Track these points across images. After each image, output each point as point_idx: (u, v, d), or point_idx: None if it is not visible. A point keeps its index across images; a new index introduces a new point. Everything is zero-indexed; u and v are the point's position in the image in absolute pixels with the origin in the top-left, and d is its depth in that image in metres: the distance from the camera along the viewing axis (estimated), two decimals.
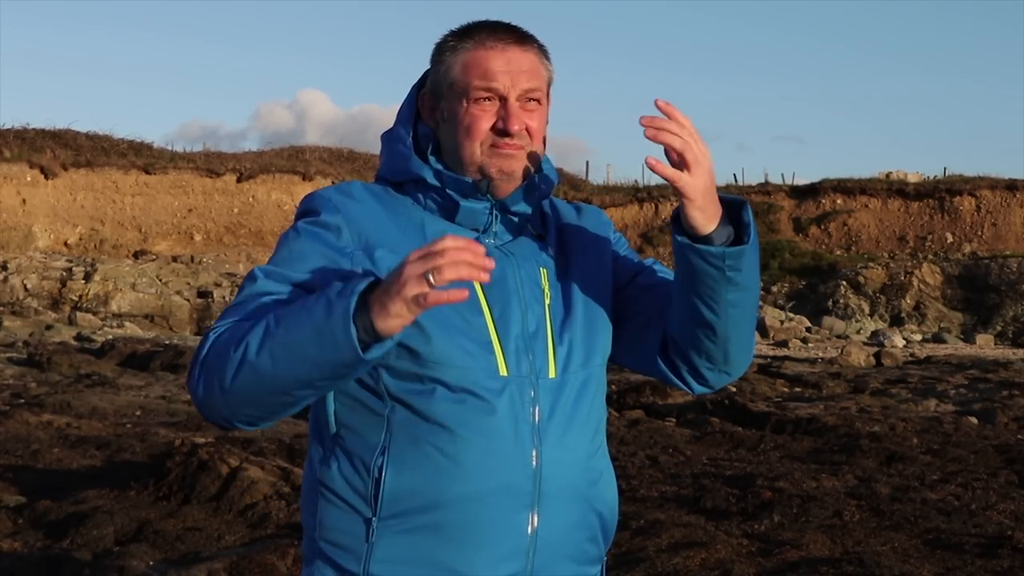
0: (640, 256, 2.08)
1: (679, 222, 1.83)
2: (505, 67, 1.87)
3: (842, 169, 79.47)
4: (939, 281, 31.43)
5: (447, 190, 1.90)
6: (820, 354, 22.28)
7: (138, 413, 11.54)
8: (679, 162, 1.76)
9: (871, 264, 32.65)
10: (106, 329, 23.06)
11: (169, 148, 36.41)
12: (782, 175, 44.39)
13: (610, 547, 2.04)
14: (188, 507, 6.63)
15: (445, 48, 1.92)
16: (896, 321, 29.87)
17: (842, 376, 16.99)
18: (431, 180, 1.90)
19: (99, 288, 25.43)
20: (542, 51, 1.94)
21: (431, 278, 1.58)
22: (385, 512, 1.81)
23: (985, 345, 26.70)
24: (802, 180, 38.54)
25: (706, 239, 1.81)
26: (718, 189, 1.82)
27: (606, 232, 2.05)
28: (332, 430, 1.87)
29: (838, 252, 35.27)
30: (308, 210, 1.89)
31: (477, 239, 1.91)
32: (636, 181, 39.28)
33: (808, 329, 28.03)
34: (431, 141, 1.93)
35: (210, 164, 35.35)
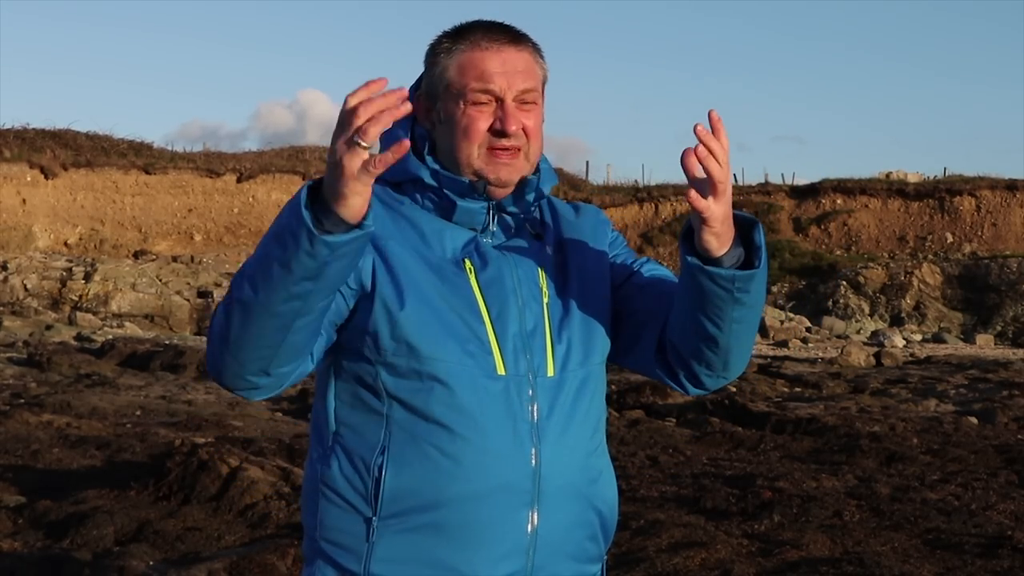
0: (639, 256, 2.08)
1: (688, 241, 1.82)
2: (501, 68, 1.87)
3: (842, 169, 79.52)
4: (939, 281, 31.42)
5: (444, 190, 1.90)
6: (820, 354, 22.27)
7: (138, 413, 11.54)
8: (704, 185, 1.73)
9: (871, 264, 32.64)
10: (106, 329, 23.06)
11: (169, 148, 36.46)
12: (782, 175, 44.44)
13: (610, 547, 2.05)
14: (188, 507, 6.63)
15: (439, 49, 1.92)
16: (896, 321, 29.86)
17: (842, 376, 16.98)
18: (428, 180, 1.91)
19: (99, 288, 25.43)
20: (536, 50, 1.94)
21: (359, 141, 1.57)
22: (385, 511, 1.81)
23: (985, 345, 26.69)
24: (802, 180, 38.58)
25: (716, 261, 1.79)
26: None
27: (604, 231, 2.06)
28: (332, 428, 1.88)
29: (838, 252, 35.27)
30: None
31: (475, 239, 1.91)
32: (636, 181, 39.29)
33: (808, 329, 28.03)
34: (427, 142, 1.93)
35: (210, 164, 35.36)
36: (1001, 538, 6.12)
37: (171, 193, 34.41)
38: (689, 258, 1.81)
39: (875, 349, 21.91)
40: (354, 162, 1.57)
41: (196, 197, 34.65)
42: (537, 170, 1.95)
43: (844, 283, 31.73)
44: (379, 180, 1.96)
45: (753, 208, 36.06)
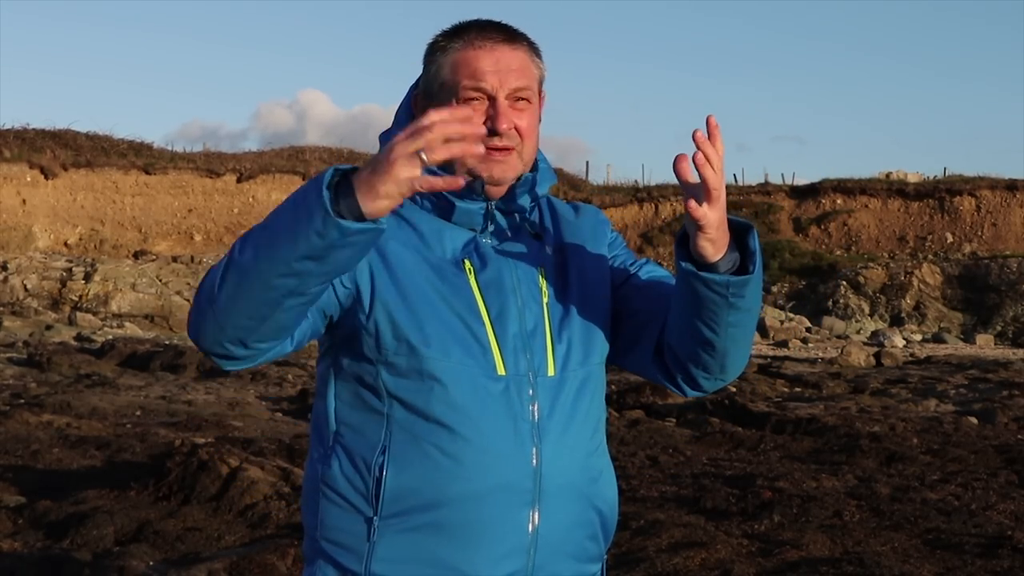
0: (639, 256, 2.08)
1: (683, 247, 1.81)
2: (494, 66, 1.86)
3: (842, 169, 79.54)
4: (939, 281, 31.43)
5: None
6: (820, 354, 22.28)
7: (138, 413, 11.54)
8: (698, 190, 1.73)
9: (871, 264, 32.64)
10: (106, 329, 23.07)
11: (169, 148, 36.47)
12: (782, 175, 44.43)
13: (610, 547, 2.05)
14: (188, 507, 6.63)
15: (436, 48, 1.92)
16: (896, 321, 29.86)
17: (842, 376, 16.99)
18: None
19: (99, 288, 25.44)
20: (532, 49, 1.93)
21: (424, 155, 1.55)
22: (386, 511, 1.81)
23: (985, 345, 26.69)
24: (802, 180, 38.58)
25: (711, 266, 1.79)
26: None
27: (604, 231, 2.06)
28: (333, 428, 1.88)
29: (838, 252, 35.26)
30: None
31: (475, 239, 1.91)
32: (636, 181, 39.30)
33: (808, 329, 28.04)
34: None
35: (210, 164, 35.37)
36: (1001, 538, 6.12)
37: (171, 193, 34.42)
38: (684, 264, 1.80)
39: (875, 349, 21.91)
40: (407, 172, 1.56)
41: (196, 197, 34.66)
42: (535, 168, 1.95)
43: (844, 283, 31.73)
44: None
45: (753, 208, 36.09)
